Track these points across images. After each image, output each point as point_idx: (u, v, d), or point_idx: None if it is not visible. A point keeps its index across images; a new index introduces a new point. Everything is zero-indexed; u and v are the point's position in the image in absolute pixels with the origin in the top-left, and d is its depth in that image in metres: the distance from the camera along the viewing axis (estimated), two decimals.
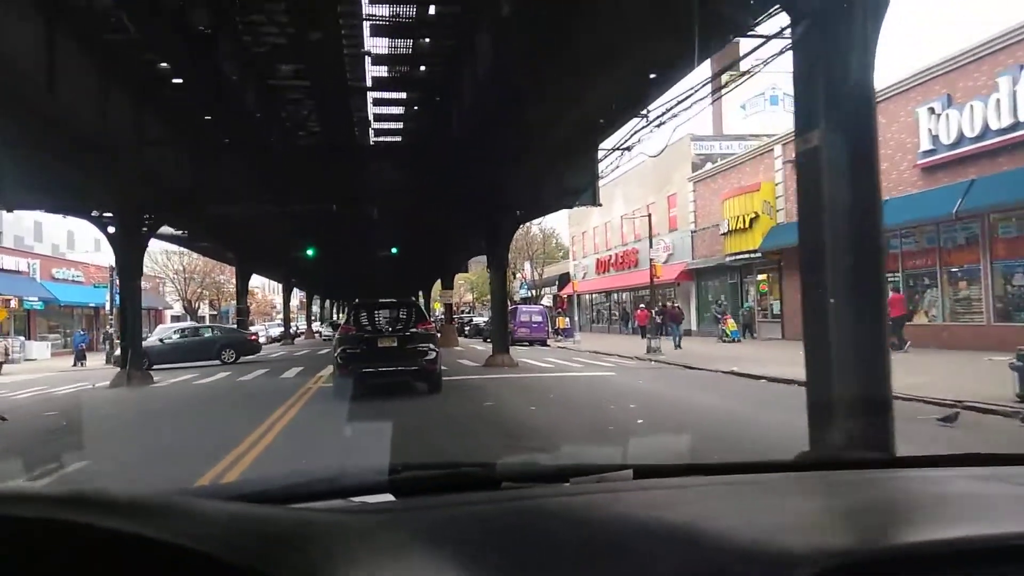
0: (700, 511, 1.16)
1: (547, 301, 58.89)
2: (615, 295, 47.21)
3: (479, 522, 1.06)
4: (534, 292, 49.19)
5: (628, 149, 17.47)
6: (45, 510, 0.79)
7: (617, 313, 46.77)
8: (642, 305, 35.13)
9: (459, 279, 62.41)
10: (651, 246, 26.62)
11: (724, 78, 16.08)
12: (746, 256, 29.23)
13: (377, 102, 19.56)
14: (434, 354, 13.76)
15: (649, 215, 27.34)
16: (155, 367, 22.99)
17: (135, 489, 0.91)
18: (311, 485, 1.29)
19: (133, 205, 19.46)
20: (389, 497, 1.26)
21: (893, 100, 20.99)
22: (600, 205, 23.38)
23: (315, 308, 79.35)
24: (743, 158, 31.03)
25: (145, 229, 20.15)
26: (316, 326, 49.46)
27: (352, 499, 1.24)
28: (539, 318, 36.76)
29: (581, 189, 21.41)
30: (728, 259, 30.56)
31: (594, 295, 50.50)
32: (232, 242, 32.01)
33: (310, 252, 34.29)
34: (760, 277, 30.43)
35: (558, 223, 60.86)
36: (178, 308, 59.07)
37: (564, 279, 54.01)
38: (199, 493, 1.40)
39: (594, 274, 49.13)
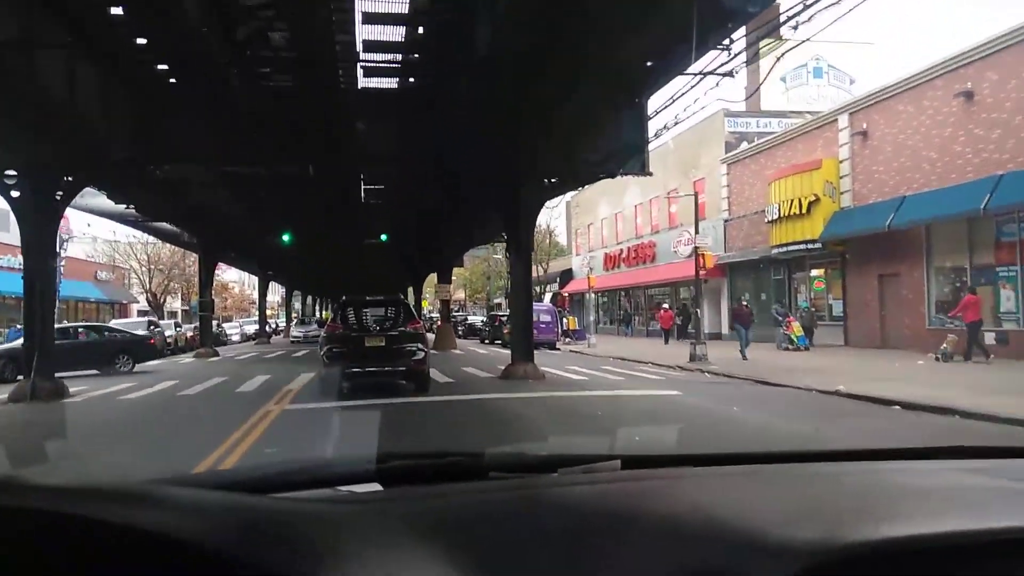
0: (689, 502, 1.14)
1: (546, 300, 54.26)
2: (624, 293, 42.46)
3: (467, 511, 1.05)
4: (538, 289, 44.31)
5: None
6: (29, 499, 0.77)
7: (624, 313, 42.02)
8: (664, 305, 30.41)
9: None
10: (696, 231, 21.82)
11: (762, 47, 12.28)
12: (801, 247, 24.53)
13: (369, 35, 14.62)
14: (422, 354, 13.39)
15: (696, 193, 22.48)
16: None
17: (123, 479, 0.92)
18: (299, 474, 1.26)
19: (45, 160, 14.42)
20: (377, 486, 1.23)
21: None
22: (650, 174, 18.64)
23: (297, 304, 74.08)
24: (797, 132, 26.34)
25: (61, 194, 15.06)
26: (295, 330, 42.53)
27: (340, 488, 1.22)
28: (548, 318, 31.92)
29: (626, 154, 16.61)
30: (775, 251, 25.86)
31: (598, 294, 45.69)
32: (193, 222, 26.75)
33: (286, 238, 29.26)
34: (815, 272, 25.75)
35: (556, 219, 56.36)
36: (145, 302, 53.64)
37: (566, 276, 49.16)
38: (187, 482, 1.28)
39: (601, 270, 44.28)
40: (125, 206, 22.31)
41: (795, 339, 22.13)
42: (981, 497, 1.19)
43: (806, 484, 1.34)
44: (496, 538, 0.93)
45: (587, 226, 45.48)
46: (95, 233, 47.36)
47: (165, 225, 27.90)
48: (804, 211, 24.06)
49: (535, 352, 30.12)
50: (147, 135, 15.31)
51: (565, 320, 33.69)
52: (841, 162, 23.66)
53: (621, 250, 41.49)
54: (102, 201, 21.19)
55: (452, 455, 1.37)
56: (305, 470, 1.30)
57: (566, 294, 51.67)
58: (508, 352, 28.47)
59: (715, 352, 21.32)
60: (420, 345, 13.50)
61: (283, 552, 0.77)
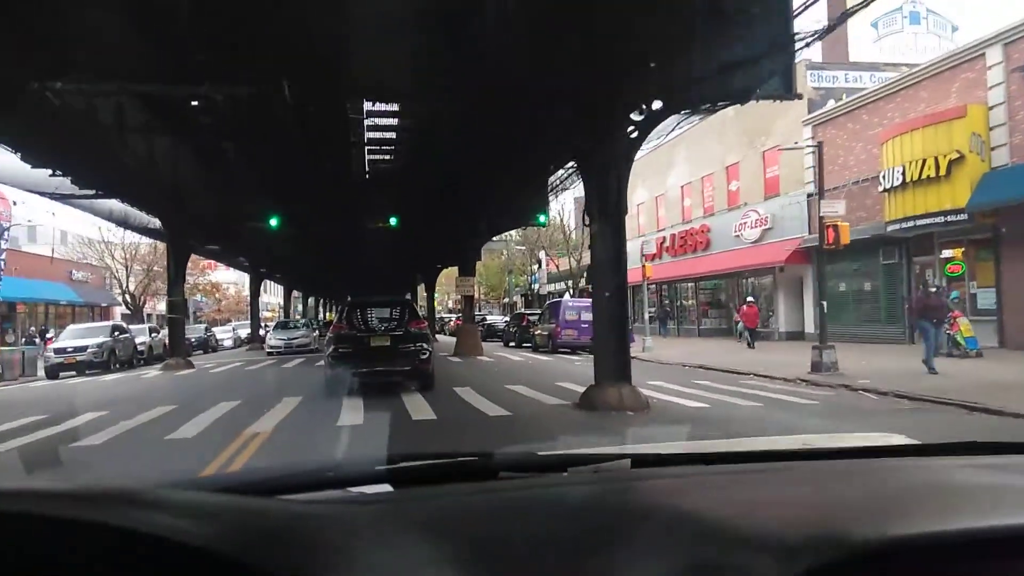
0: (699, 501, 1.13)
1: (566, 297, 48.40)
2: (663, 288, 36.53)
3: (477, 511, 1.04)
4: (569, 285, 38.47)
5: None
6: (33, 505, 0.76)
7: (660, 309, 36.09)
8: (750, 299, 24.43)
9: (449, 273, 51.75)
10: (821, 195, 15.67)
11: None
12: (934, 221, 18.59)
13: None
14: (427, 354, 13.40)
15: (819, 146, 16.25)
16: None
17: (130, 482, 0.89)
18: (309, 476, 1.24)
19: None
20: (387, 487, 1.20)
21: None
22: (798, 97, 12.70)
23: (301, 307, 68.31)
24: (921, 74, 20.39)
25: None
26: (272, 337, 28.35)
27: (350, 489, 1.19)
28: (591, 316, 25.97)
29: (763, 67, 10.70)
30: (893, 227, 19.93)
31: (632, 287, 39.79)
32: (149, 197, 20.71)
33: (274, 222, 23.37)
34: (948, 253, 19.79)
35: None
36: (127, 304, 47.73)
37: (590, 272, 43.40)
38: (196, 485, 1.23)
39: (637, 262, 38.34)
40: (50, 172, 16.33)
41: (962, 341, 16.10)
42: (993, 494, 1.16)
43: (816, 482, 1.31)
44: (506, 537, 0.92)
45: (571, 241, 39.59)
46: (68, 228, 41.59)
47: (117, 205, 21.98)
48: (942, 173, 18.12)
49: (575, 357, 24.48)
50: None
51: None
52: (992, 108, 17.74)
53: (663, 238, 35.53)
54: (12, 163, 15.26)
55: (462, 455, 1.34)
56: (315, 472, 1.28)
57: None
58: (551, 360, 22.93)
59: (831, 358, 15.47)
60: (425, 345, 13.50)
61: (294, 554, 0.76)
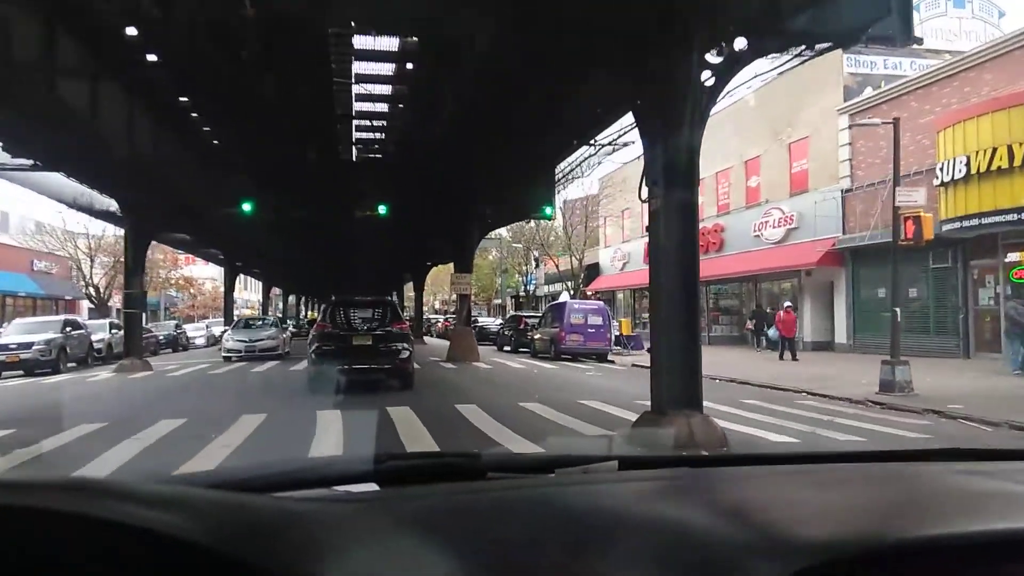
0: (687, 503, 1.13)
1: (564, 299, 45.63)
2: None
3: (463, 511, 1.03)
4: (568, 286, 35.77)
5: None
6: (26, 497, 0.75)
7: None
8: (787, 304, 21.82)
9: (435, 273, 48.80)
10: (897, 182, 13.03)
11: None
12: (1006, 219, 16.11)
13: None
14: (407, 353, 13.49)
15: (895, 122, 13.54)
16: None
17: (118, 477, 0.87)
18: (296, 474, 1.22)
19: None
20: (374, 486, 1.18)
21: None
22: (918, 41, 10.05)
23: (279, 304, 65.29)
24: (989, 54, 17.92)
25: None
26: (230, 338, 23.29)
27: (337, 488, 1.17)
28: (598, 320, 23.37)
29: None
30: (949, 227, 17.42)
31: (634, 293, 37.25)
32: (99, 170, 17.69)
33: (247, 207, 20.57)
34: (1014, 257, 17.31)
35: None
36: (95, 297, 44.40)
37: (591, 272, 40.35)
38: (183, 481, 1.22)
39: (642, 263, 35.82)
40: None
41: None
42: (981, 499, 1.16)
43: (804, 485, 1.30)
44: (493, 537, 0.91)
45: (621, 212, 36.77)
46: (25, 212, 38.38)
47: (68, 183, 18.95)
48: (1016, 164, 15.64)
49: (583, 365, 21.80)
50: None
51: (617, 323, 25.05)
52: None
53: None
54: None
55: (449, 455, 1.33)
56: (303, 469, 1.28)
57: (590, 292, 43.16)
58: (557, 368, 20.25)
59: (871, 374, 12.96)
60: (405, 345, 13.58)
61: (280, 551, 0.75)
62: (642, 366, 21.47)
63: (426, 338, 37.82)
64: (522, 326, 28.52)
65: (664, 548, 0.87)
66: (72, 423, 9.82)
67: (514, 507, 1.07)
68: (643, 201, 8.36)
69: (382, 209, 21.03)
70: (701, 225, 27.01)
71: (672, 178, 7.72)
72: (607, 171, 34.82)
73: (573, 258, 33.16)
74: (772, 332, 22.29)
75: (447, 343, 36.42)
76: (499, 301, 62.35)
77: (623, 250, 37.78)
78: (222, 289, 66.04)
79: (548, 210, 21.61)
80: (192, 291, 51.43)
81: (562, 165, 21.84)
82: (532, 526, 0.97)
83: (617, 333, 24.66)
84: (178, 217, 21.91)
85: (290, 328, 38.21)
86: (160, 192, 19.32)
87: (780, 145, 25.33)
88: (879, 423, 10.20)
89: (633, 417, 10.15)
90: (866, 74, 22.71)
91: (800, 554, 0.82)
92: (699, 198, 7.28)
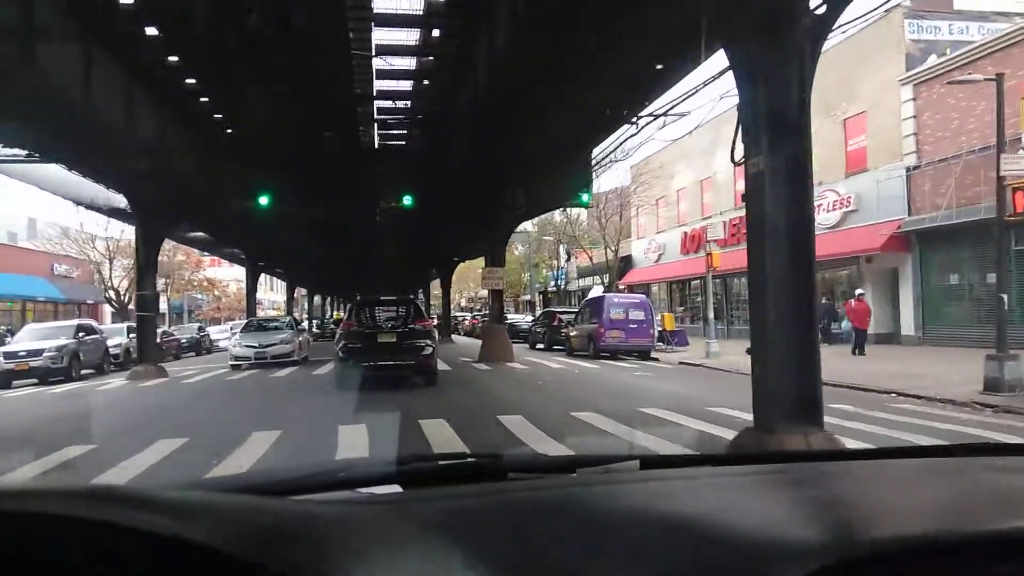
0: (708, 503, 1.12)
1: (597, 294, 43.75)
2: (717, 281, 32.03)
3: (485, 512, 1.04)
4: (602, 280, 34.00)
5: None
6: (49, 504, 0.75)
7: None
8: (860, 292, 19.92)
9: (461, 270, 47.20)
10: (1001, 148, 11.10)
11: None
12: None
13: None
14: (430, 350, 13.66)
15: (999, 78, 11.59)
16: None
17: (140, 483, 0.87)
18: (319, 477, 1.21)
19: None
20: (397, 488, 1.19)
21: None
22: None
23: (304, 305, 64.23)
24: None
25: None
26: (237, 343, 21.00)
27: (360, 490, 1.18)
28: (640, 314, 21.63)
29: None
30: None
31: (671, 283, 35.42)
32: (103, 160, 16.15)
33: (264, 200, 19.14)
34: None
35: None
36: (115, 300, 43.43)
37: (624, 264, 38.42)
38: (206, 486, 1.24)
39: (678, 254, 34.00)
40: None
41: None
42: (1004, 494, 1.15)
43: (824, 484, 1.29)
44: (516, 538, 0.92)
45: (656, 201, 34.89)
46: (39, 215, 37.46)
47: (69, 176, 17.57)
48: None
49: (626, 364, 20.05)
50: None
51: (659, 317, 23.26)
52: None
53: (709, 226, 31.06)
54: None
55: (471, 456, 1.35)
56: (326, 472, 1.25)
57: (622, 286, 41.33)
58: (600, 368, 18.67)
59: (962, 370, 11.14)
60: (428, 341, 13.72)
61: (303, 554, 0.75)
62: (691, 364, 19.78)
63: (454, 337, 36.31)
64: (556, 322, 26.86)
65: (684, 548, 0.86)
66: (59, 443, 8.38)
67: (536, 508, 1.06)
68: (736, 164, 6.69)
69: (407, 200, 19.48)
70: (744, 212, 25.30)
71: (780, 128, 6.03)
72: (640, 158, 32.97)
73: (608, 250, 31.35)
74: (845, 324, 20.35)
75: (477, 342, 35.31)
76: (528, 297, 60.76)
77: (657, 241, 35.92)
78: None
79: (585, 197, 19.93)
80: (216, 292, 50.36)
81: (598, 152, 20.15)
82: (554, 526, 0.97)
83: (659, 328, 22.86)
84: (192, 213, 20.55)
85: (312, 329, 36.71)
86: (170, 186, 17.93)
87: (833, 121, 23.34)
88: (1008, 430, 8.41)
89: (715, 430, 8.47)
90: (930, 40, 20.70)
91: (818, 553, 0.81)
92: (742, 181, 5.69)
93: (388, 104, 18.67)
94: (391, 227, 29.20)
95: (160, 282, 44.42)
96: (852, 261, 22.57)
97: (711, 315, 20.46)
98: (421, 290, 49.48)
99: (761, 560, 0.81)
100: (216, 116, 16.94)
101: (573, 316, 25.42)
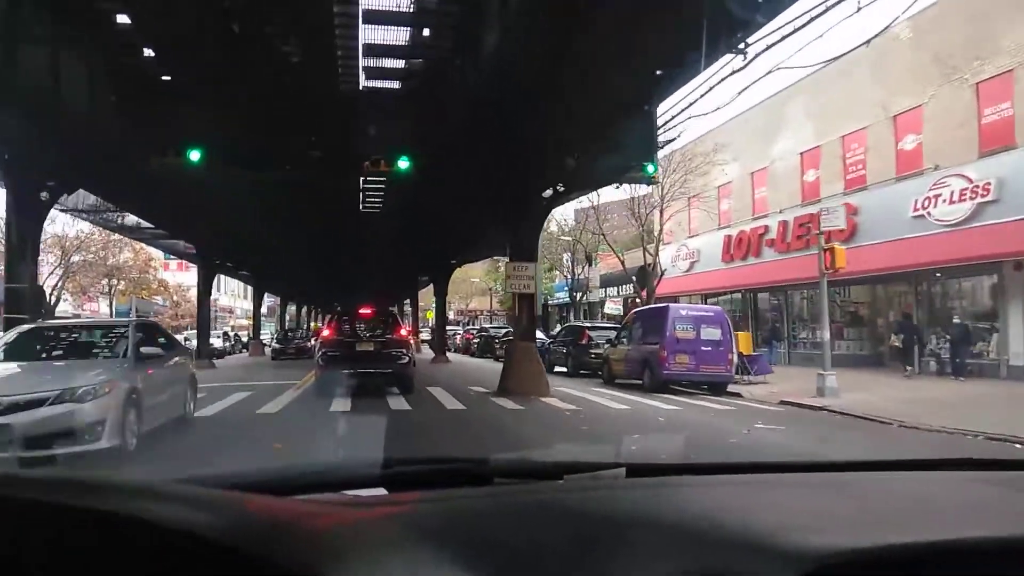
0: (694, 509, 1.13)
1: (612, 309, 37.72)
2: (773, 295, 26.40)
3: (471, 517, 1.02)
4: (634, 294, 28.06)
5: None
6: (49, 494, 0.77)
7: (772, 327, 25.91)
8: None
9: (462, 273, 41.03)
10: None
11: None
12: None
13: None
14: (407, 359, 13.83)
15: None
16: None
17: (132, 475, 0.90)
18: (305, 477, 1.23)
19: None
20: (382, 491, 1.20)
21: None
22: None
23: (278, 314, 57.69)
24: None
25: None
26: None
27: (345, 492, 1.19)
28: (716, 332, 15.80)
29: None
30: None
31: (706, 297, 29.59)
32: None
33: (195, 155, 13.20)
34: None
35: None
36: (63, 304, 36.74)
37: (642, 275, 32.31)
38: (195, 481, 1.19)
39: (719, 262, 28.24)
40: None
41: None
42: (987, 506, 1.16)
43: (810, 493, 1.31)
44: (501, 543, 0.90)
45: (689, 199, 28.93)
46: None
47: None
48: None
49: (691, 397, 13.76)
50: None
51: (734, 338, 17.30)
52: None
53: (763, 227, 25.41)
54: None
55: (457, 461, 1.32)
56: (312, 473, 1.26)
57: (640, 300, 35.45)
58: (680, 409, 12.51)
59: None
60: (405, 350, 13.89)
61: (289, 553, 0.74)
62: (801, 405, 13.79)
63: (449, 356, 30.17)
64: (584, 340, 20.92)
65: (671, 554, 0.86)
66: None
67: (522, 513, 1.05)
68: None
69: (402, 163, 13.53)
70: (817, 207, 19.42)
71: None
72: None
73: (646, 252, 25.42)
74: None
75: (478, 362, 29.02)
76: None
77: (690, 247, 30.13)
78: (212, 296, 58.56)
79: (650, 168, 14.07)
80: (174, 297, 43.77)
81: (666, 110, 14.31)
82: (540, 532, 0.95)
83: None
84: (97, 173, 14.40)
85: (272, 343, 30.91)
86: (59, 129, 11.87)
87: (958, 87, 17.77)
88: None
89: None
90: None
91: (804, 561, 0.81)
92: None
93: (380, 32, 12.76)
94: (378, 219, 23.34)
95: (103, 283, 37.94)
96: (989, 268, 16.91)
97: (826, 335, 14.52)
98: (408, 300, 43.26)
99: (747, 566, 0.80)
100: (120, 21, 10.97)
101: (616, 333, 19.46)
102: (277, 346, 31.74)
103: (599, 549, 0.87)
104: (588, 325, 22.58)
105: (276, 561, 0.71)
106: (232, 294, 70.36)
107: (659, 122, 14.59)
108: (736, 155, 26.30)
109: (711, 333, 15.77)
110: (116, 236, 33.97)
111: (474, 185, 15.31)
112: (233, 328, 55.48)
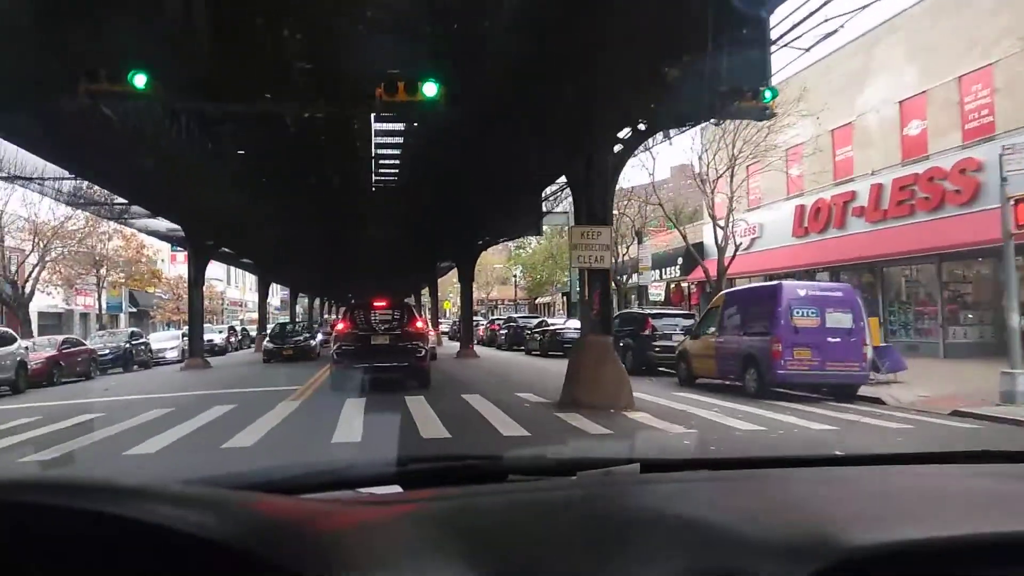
0: (707, 505, 1.11)
1: (655, 295, 33.62)
2: (870, 270, 22.18)
3: (486, 514, 1.02)
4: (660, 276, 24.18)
5: None
6: (56, 497, 0.75)
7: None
8: None
9: (479, 260, 37.24)
10: None
11: None
12: None
13: None
14: (423, 351, 13.70)
15: None
16: None
17: (142, 478, 0.86)
18: (320, 476, 1.22)
19: None
20: (397, 489, 1.20)
21: None
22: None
23: (298, 308, 54.25)
24: None
25: None
26: None
27: (360, 490, 1.19)
28: (847, 318, 11.79)
29: None
30: None
31: (769, 277, 25.44)
32: None
33: (140, 82, 9.23)
34: None
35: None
36: (51, 299, 33.06)
37: (688, 257, 27.94)
38: (208, 482, 1.18)
39: (788, 237, 24.18)
40: None
41: None
42: (1000, 500, 1.13)
43: (822, 488, 1.28)
44: (516, 539, 0.90)
45: (746, 168, 24.48)
46: None
47: None
48: None
49: (812, 404, 9.46)
50: None
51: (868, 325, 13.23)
52: None
53: (851, 193, 21.30)
54: None
55: (471, 458, 1.32)
56: (327, 472, 1.25)
57: (687, 284, 31.42)
58: (822, 428, 8.74)
59: None
60: (421, 343, 13.75)
61: (304, 552, 0.74)
62: (999, 419, 9.65)
63: (477, 349, 26.23)
64: (647, 331, 16.97)
65: (684, 550, 0.85)
66: None
67: (536, 510, 1.05)
68: None
69: (429, 89, 9.59)
70: (924, 167, 14.88)
71: None
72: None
73: (718, 227, 21.24)
74: None
75: (514, 357, 24.15)
76: (549, 299, 50.72)
77: (750, 221, 25.93)
78: (219, 289, 55.04)
79: (767, 94, 10.07)
80: (176, 292, 40.08)
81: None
82: (554, 529, 0.95)
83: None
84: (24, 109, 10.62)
85: (266, 341, 26.75)
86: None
87: None
88: None
89: None
90: None
91: (818, 556, 0.80)
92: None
93: None
94: (393, 194, 19.62)
95: (95, 274, 34.20)
96: None
97: (1016, 319, 10.45)
98: (427, 287, 39.41)
99: (760, 563, 0.80)
100: None
101: (695, 321, 15.56)
102: (270, 345, 25.23)
103: (612, 545, 0.86)
104: (651, 312, 18.58)
105: (288, 563, 0.69)
106: (243, 287, 66.81)
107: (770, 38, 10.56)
108: (811, 111, 22.10)
109: (839, 319, 11.78)
110: (108, 223, 30.29)
111: (520, 125, 11.33)
112: (242, 323, 51.96)
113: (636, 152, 12.40)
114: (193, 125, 15.43)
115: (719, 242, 21.10)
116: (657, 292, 32.90)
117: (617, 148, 10.15)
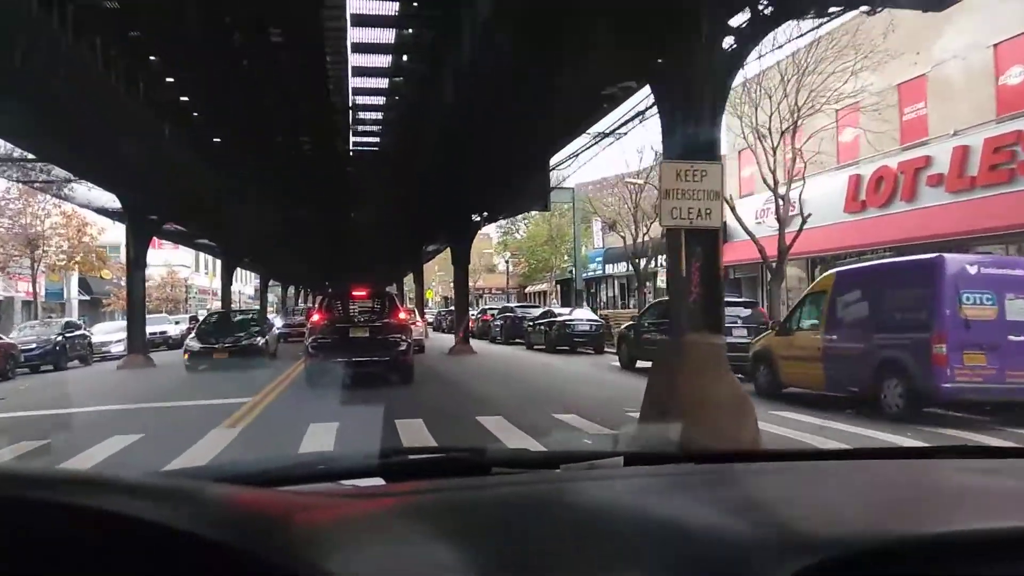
0: (691, 499, 1.10)
1: (662, 281, 30.14)
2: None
3: (468, 506, 1.01)
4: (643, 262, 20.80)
5: None
6: (32, 490, 0.73)
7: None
8: None
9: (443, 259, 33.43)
10: None
11: None
12: None
13: None
14: (406, 345, 12.81)
15: None
16: None
17: (123, 470, 0.82)
18: (303, 467, 1.22)
19: None
20: (380, 481, 1.17)
21: None
22: None
23: (273, 297, 50.15)
24: None
25: None
26: None
27: (343, 482, 1.17)
28: None
29: None
30: None
31: (812, 260, 21.90)
32: None
33: None
34: None
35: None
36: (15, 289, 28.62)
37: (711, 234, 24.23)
38: (189, 475, 1.18)
39: (840, 213, 20.63)
40: None
41: None
42: (987, 496, 1.12)
43: (808, 482, 1.26)
44: (498, 532, 0.89)
45: (790, 136, 20.76)
46: None
47: None
48: None
49: (993, 434, 6.49)
50: None
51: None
52: None
53: (922, 159, 17.73)
54: None
55: (454, 450, 1.31)
56: (309, 464, 1.25)
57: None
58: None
59: None
60: (403, 336, 12.91)
61: (287, 544, 0.72)
62: None
63: (473, 343, 22.33)
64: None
65: (669, 544, 0.84)
66: None
67: (520, 502, 1.04)
68: None
69: None
70: (1009, 126, 11.56)
71: None
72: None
73: (777, 197, 17.61)
74: None
75: (514, 352, 20.24)
76: (545, 287, 46.84)
77: (789, 196, 22.21)
78: (183, 275, 50.57)
79: None
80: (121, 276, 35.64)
81: None
82: (537, 521, 0.95)
83: None
84: None
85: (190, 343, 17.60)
86: None
87: None
88: None
89: None
90: None
91: (803, 551, 0.79)
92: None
93: None
94: (375, 162, 15.90)
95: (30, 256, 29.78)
96: None
97: None
98: (412, 273, 35.45)
99: (745, 557, 0.79)
100: None
101: (745, 312, 11.96)
102: (195, 345, 17.00)
103: (596, 538, 0.85)
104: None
105: (267, 556, 0.67)
106: (212, 274, 62.29)
107: None
108: (869, 62, 18.43)
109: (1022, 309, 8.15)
110: (43, 197, 26.05)
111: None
112: (208, 312, 47.67)
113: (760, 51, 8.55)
114: (115, 53, 11.48)
115: (779, 214, 17.39)
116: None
117: (728, 44, 6.47)
